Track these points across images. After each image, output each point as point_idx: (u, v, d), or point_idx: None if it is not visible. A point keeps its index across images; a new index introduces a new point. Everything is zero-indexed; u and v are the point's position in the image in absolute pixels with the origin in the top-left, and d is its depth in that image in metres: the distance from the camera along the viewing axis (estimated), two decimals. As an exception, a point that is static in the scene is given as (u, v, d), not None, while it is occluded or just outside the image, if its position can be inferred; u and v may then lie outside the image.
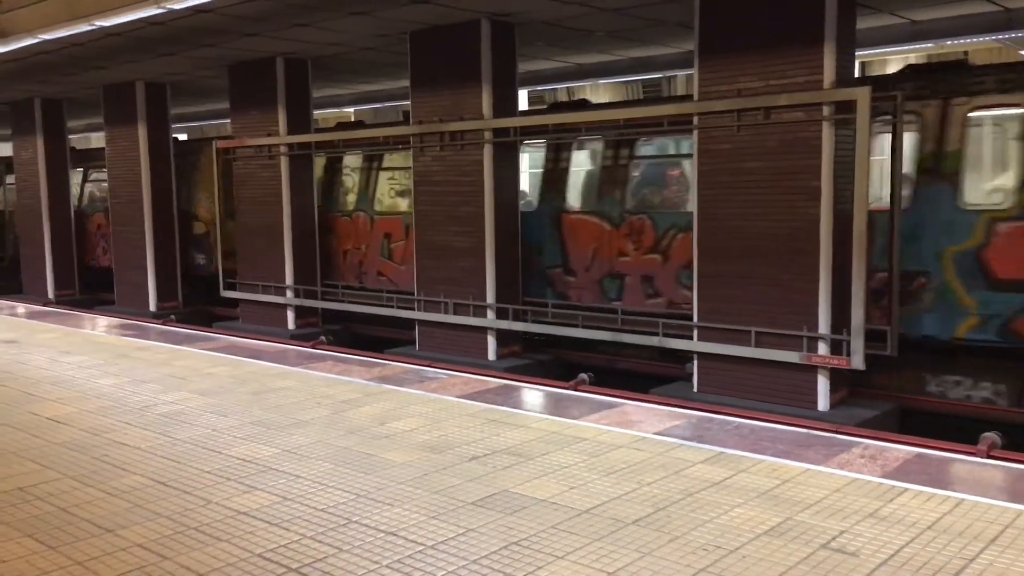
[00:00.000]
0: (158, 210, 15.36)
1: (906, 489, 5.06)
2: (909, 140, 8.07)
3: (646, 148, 10.46)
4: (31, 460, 5.82)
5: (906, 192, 7.92)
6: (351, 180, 13.59)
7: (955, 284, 7.78)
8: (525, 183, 11.69)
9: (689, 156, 8.98)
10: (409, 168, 11.41)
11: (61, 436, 6.42)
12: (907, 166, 7.99)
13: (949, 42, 11.65)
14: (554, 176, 10.87)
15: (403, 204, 12.58)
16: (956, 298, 7.78)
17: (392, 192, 13.01)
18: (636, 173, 10.35)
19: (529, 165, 11.91)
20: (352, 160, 13.56)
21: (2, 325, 12.59)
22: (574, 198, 10.80)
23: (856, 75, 8.65)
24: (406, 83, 11.25)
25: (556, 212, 10.69)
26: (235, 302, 14.18)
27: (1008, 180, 7.76)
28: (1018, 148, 7.68)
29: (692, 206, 8.67)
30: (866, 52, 12.80)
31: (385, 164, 13.06)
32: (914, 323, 7.97)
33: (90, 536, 4.48)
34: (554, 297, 10.56)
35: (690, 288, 8.78)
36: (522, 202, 11.02)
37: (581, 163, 10.87)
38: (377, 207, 13.00)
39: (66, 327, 12.28)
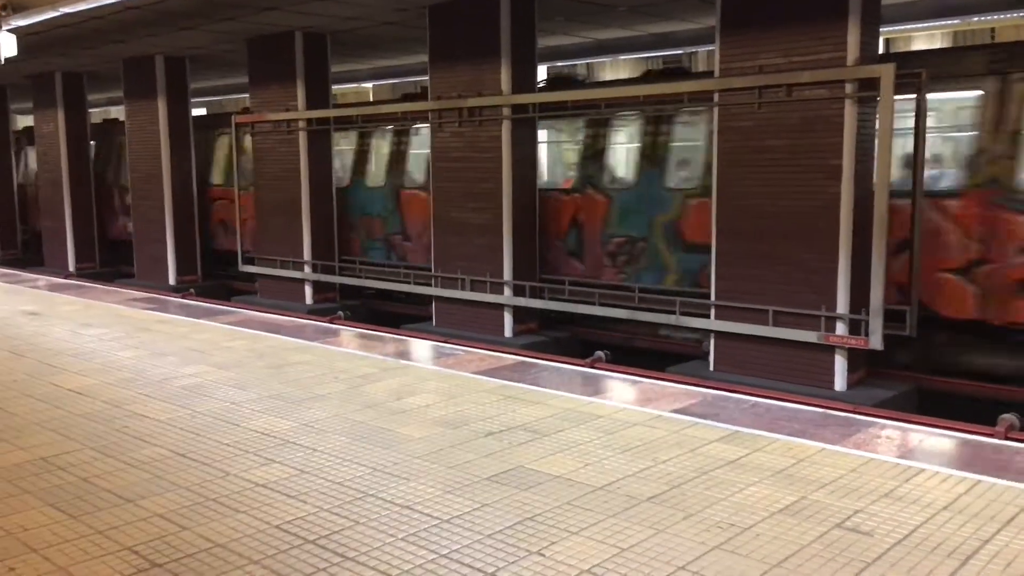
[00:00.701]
0: (177, 184, 15.44)
1: (922, 469, 5.04)
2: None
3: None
4: (53, 431, 5.91)
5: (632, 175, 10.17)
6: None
7: (662, 247, 9.77)
8: (376, 164, 13.64)
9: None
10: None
11: (82, 408, 6.50)
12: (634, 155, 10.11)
13: (976, 18, 11.46)
14: (396, 158, 13.05)
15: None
16: (663, 258, 9.78)
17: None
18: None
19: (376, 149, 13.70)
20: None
21: (24, 297, 12.74)
22: (410, 177, 12.88)
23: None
24: (424, 58, 11.20)
25: (396, 189, 12.86)
26: (254, 277, 14.27)
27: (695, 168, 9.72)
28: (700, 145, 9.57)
29: (712, 183, 8.61)
30: (891, 29, 12.63)
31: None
32: (637, 278, 10.03)
33: (111, 506, 4.54)
34: (396, 258, 12.86)
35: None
36: (373, 179, 13.25)
37: (420, 146, 12.57)
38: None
39: (87, 299, 12.40)
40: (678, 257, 9.77)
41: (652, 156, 10.09)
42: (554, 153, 11.93)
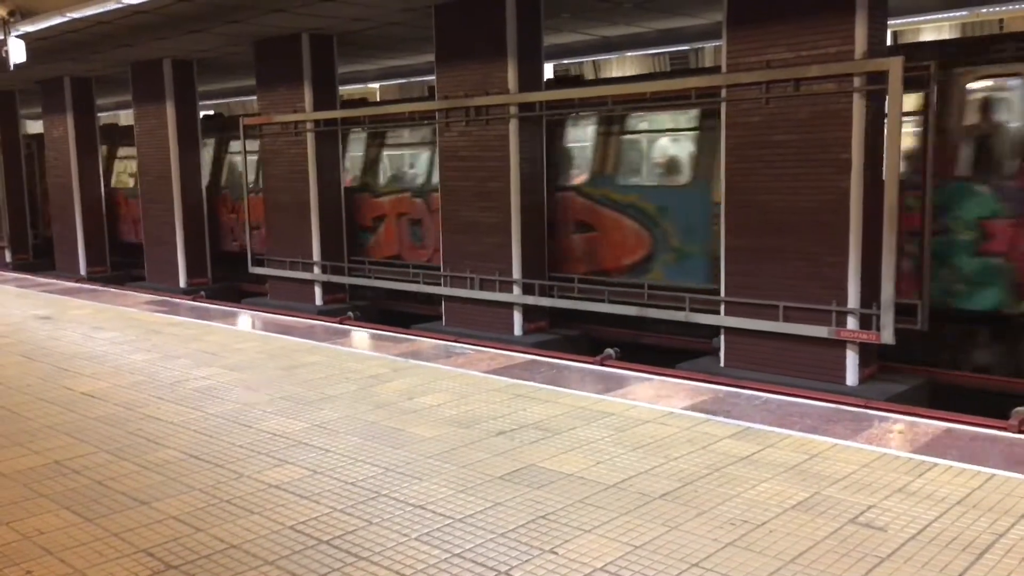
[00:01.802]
0: (187, 187, 15.50)
1: (935, 464, 5.02)
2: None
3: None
4: (67, 434, 5.94)
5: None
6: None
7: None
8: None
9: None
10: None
11: (96, 411, 6.54)
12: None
13: (985, 10, 11.40)
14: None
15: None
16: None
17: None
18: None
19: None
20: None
21: (36, 301, 12.81)
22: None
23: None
24: (431, 58, 11.21)
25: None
26: (264, 278, 14.32)
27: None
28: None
29: (720, 179, 8.59)
30: (899, 21, 12.57)
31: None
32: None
33: (125, 508, 4.57)
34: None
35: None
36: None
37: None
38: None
39: (98, 303, 12.47)
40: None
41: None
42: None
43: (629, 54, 16.16)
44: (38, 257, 20.34)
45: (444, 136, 10.96)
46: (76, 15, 10.98)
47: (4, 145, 20.18)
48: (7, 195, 20.23)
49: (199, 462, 5.29)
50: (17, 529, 4.32)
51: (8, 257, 20.27)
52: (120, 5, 10.32)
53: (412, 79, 18.34)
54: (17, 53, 11.80)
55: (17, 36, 11.80)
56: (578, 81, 13.47)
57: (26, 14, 11.48)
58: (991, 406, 7.25)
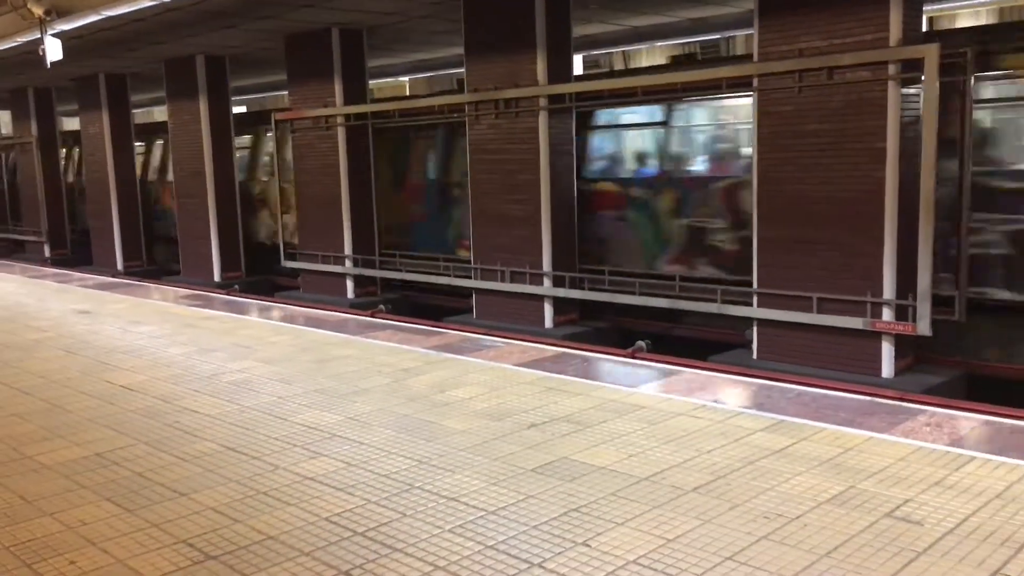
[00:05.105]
0: (220, 182, 15.67)
1: (973, 457, 4.96)
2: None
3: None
4: (107, 427, 6.06)
5: None
6: None
7: None
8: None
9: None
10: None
11: (135, 403, 6.65)
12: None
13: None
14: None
15: None
16: None
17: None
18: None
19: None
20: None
21: (75, 296, 13.05)
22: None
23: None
24: (460, 51, 11.22)
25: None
26: (296, 272, 14.45)
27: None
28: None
29: (752, 170, 8.52)
30: (934, 8, 12.35)
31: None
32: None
33: (165, 500, 4.66)
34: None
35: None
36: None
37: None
38: None
39: (135, 298, 12.67)
40: None
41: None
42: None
43: (659, 44, 16.03)
44: (75, 252, 20.69)
45: (474, 129, 10.97)
46: (111, 12, 11.13)
47: (41, 142, 20.52)
48: (45, 191, 20.57)
49: (236, 454, 5.37)
50: (61, 520, 4.42)
51: (47, 252, 20.63)
52: (154, 3, 10.44)
53: (441, 72, 18.35)
54: (54, 51, 12.00)
55: (53, 35, 11.99)
56: (609, 74, 13.38)
57: (62, 13, 11.65)
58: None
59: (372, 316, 11.13)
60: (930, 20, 15.96)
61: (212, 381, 7.31)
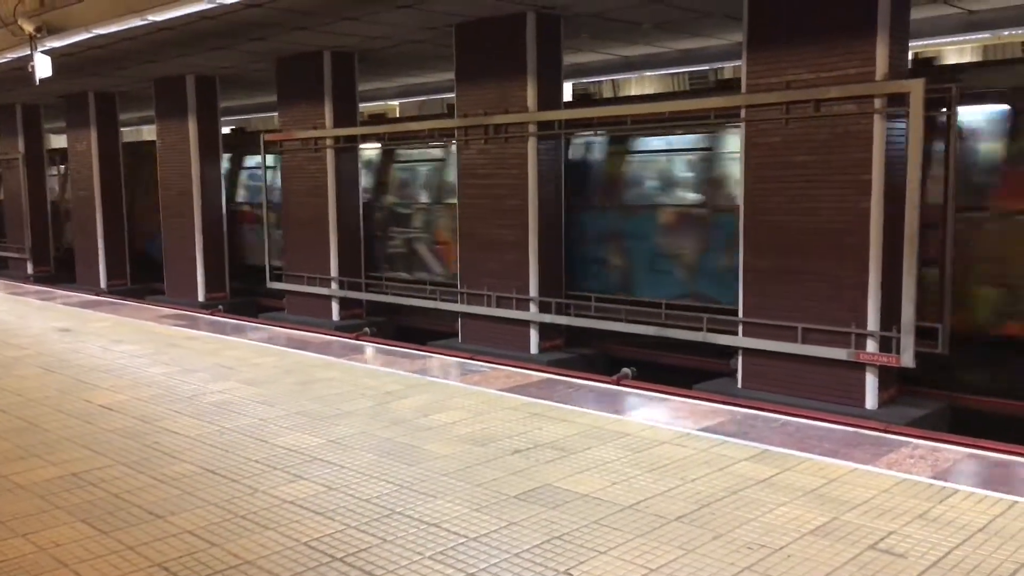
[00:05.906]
0: (207, 202, 15.62)
1: (957, 490, 4.96)
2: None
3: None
4: (84, 447, 5.97)
5: None
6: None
7: None
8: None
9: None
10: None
11: (113, 423, 6.57)
12: None
13: (1007, 32, 11.34)
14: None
15: None
16: None
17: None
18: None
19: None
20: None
21: (57, 314, 12.93)
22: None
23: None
24: (451, 76, 11.27)
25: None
26: (281, 293, 14.38)
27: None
28: None
29: (739, 200, 8.57)
30: (919, 43, 12.51)
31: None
32: None
33: (141, 522, 4.58)
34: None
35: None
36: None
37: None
38: None
39: (118, 316, 12.56)
40: None
41: None
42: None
43: (648, 73, 16.16)
44: (59, 270, 20.53)
45: (463, 154, 11.00)
46: (102, 31, 11.12)
47: (28, 159, 20.42)
48: (30, 208, 20.45)
49: (215, 476, 5.29)
50: (34, 541, 4.34)
51: (30, 269, 20.46)
52: (145, 22, 10.44)
53: (432, 96, 18.42)
54: (43, 68, 11.96)
55: (43, 51, 11.97)
56: (597, 101, 13.47)
57: (53, 30, 11.64)
58: (1014, 431, 7.15)
59: (357, 339, 11.07)
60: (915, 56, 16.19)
61: (193, 402, 7.23)
